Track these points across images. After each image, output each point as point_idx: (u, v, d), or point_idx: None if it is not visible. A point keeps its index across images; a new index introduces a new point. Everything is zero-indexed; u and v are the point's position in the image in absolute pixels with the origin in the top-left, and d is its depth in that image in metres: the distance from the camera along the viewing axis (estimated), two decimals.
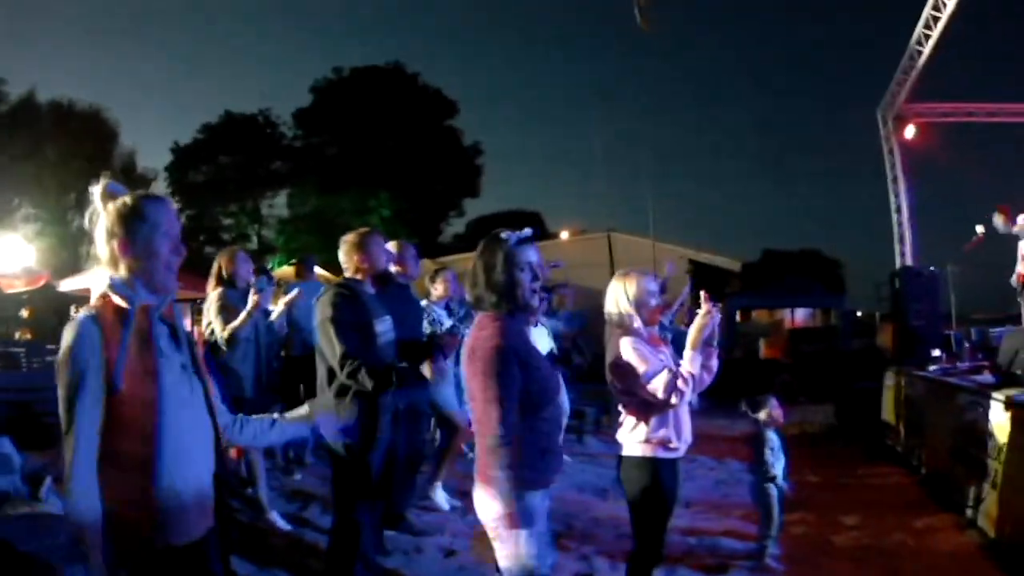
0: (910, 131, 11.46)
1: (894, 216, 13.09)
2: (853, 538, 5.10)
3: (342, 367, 3.45)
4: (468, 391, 2.55)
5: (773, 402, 4.54)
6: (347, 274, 3.81)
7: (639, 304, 3.24)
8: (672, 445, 3.22)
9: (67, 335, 1.83)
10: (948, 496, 5.70)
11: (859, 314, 21.39)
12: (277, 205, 35.03)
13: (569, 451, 6.18)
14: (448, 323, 5.21)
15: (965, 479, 5.32)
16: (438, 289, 5.54)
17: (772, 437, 4.49)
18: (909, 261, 11.41)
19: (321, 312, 3.59)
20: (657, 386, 3.08)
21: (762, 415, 4.50)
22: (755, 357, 15.81)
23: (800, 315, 19.50)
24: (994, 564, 4.38)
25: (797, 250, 32.27)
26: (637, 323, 3.24)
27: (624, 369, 3.19)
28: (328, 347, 3.53)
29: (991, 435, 4.91)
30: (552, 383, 2.56)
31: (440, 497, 5.43)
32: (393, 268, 4.51)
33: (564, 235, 23.74)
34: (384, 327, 3.71)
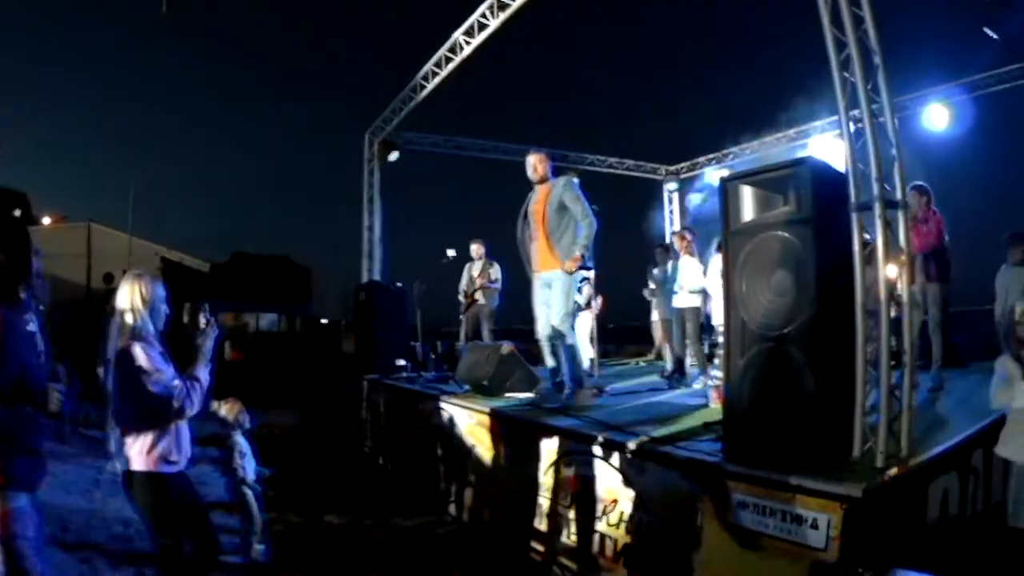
0: (394, 155, 12.35)
1: (365, 233, 13.82)
2: (336, 530, 5.34)
3: None
4: None
5: (239, 405, 4.67)
6: None
7: (153, 309, 3.03)
8: (173, 458, 3.01)
9: None
10: (420, 490, 6.18)
11: (324, 321, 22.37)
12: None
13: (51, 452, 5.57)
14: None
15: (439, 475, 5.81)
16: None
17: (240, 441, 4.59)
18: (377, 276, 12.20)
19: None
20: (172, 395, 2.89)
21: (226, 412, 4.60)
22: (219, 359, 15.26)
23: (266, 320, 19.58)
24: (470, 543, 4.94)
25: (267, 255, 32.34)
26: (151, 328, 3.01)
27: (135, 376, 2.87)
28: None
29: (461, 438, 5.45)
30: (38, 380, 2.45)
31: None
32: None
33: (46, 221, 22.80)
34: None
